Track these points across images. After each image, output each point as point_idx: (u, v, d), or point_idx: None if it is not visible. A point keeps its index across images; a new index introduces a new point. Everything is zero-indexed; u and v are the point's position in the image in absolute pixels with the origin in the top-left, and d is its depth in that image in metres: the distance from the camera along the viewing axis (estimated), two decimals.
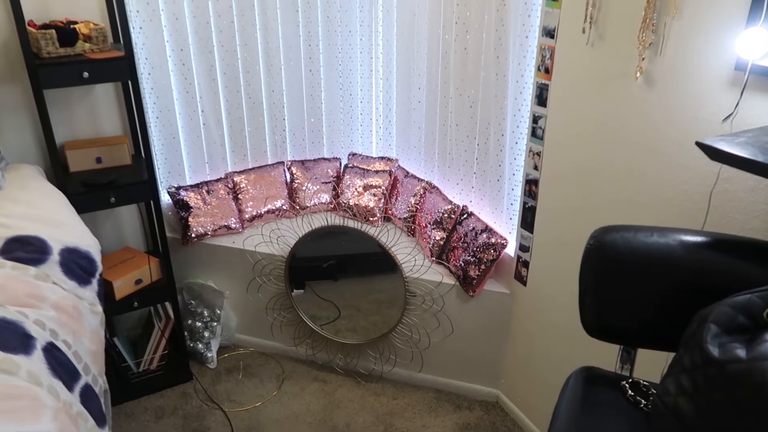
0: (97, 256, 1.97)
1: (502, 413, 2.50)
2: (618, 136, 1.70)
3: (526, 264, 2.21)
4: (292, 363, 2.80)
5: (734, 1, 1.33)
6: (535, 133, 2.03)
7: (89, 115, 2.49)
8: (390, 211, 2.84)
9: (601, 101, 1.74)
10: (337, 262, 2.97)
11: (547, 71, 1.92)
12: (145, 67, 2.51)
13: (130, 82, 2.23)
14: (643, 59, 1.57)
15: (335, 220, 2.60)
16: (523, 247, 2.20)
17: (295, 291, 2.73)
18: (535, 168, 2.06)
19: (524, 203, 2.15)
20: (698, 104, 1.46)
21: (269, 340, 2.84)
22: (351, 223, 2.62)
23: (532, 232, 2.14)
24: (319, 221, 2.62)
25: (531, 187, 2.10)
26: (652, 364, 1.42)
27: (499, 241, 2.27)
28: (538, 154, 2.03)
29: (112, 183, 2.31)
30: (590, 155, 1.82)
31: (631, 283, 1.27)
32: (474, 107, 2.32)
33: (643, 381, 1.25)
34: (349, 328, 2.75)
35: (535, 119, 2.01)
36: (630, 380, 1.26)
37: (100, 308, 1.91)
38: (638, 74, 1.59)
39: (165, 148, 2.70)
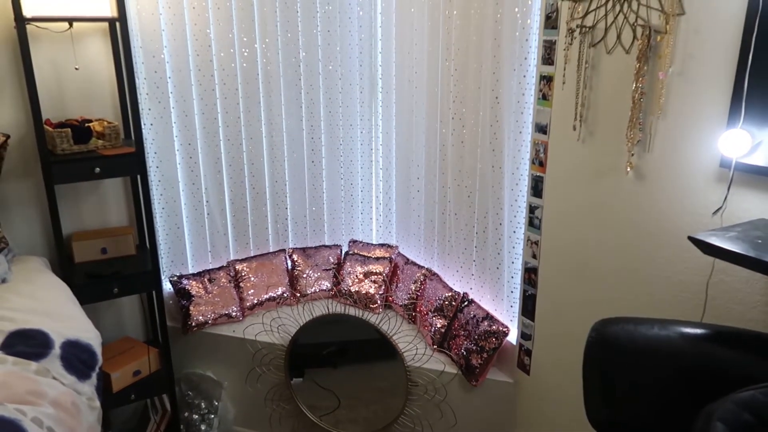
0: (98, 349, 1.97)
1: None
2: (612, 227, 1.76)
3: (528, 352, 2.19)
4: None
5: (714, 104, 1.42)
6: (533, 223, 2.08)
7: (97, 206, 2.55)
8: (390, 298, 2.85)
9: (594, 194, 1.81)
10: (337, 349, 2.94)
11: (542, 164, 2.00)
12: (153, 160, 2.60)
13: (139, 176, 2.31)
14: (632, 155, 1.64)
15: (336, 307, 2.61)
16: (525, 335, 2.20)
17: (294, 379, 2.68)
18: (534, 256, 2.09)
19: (524, 291, 2.17)
20: (688, 198, 1.52)
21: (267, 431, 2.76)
22: (352, 311, 2.63)
23: (533, 320, 2.15)
24: (320, 309, 2.62)
25: (530, 275, 2.13)
26: None
27: (500, 329, 2.27)
28: (536, 243, 2.07)
29: (115, 274, 2.34)
30: (586, 245, 1.86)
31: (635, 376, 1.27)
32: (472, 197, 2.39)
33: None
34: (349, 418, 2.68)
35: (532, 209, 2.08)
36: None
37: (98, 403, 1.88)
38: (629, 169, 1.66)
39: (169, 238, 2.74)
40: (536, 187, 2.04)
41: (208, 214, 2.78)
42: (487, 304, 2.40)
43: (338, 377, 2.85)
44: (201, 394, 2.74)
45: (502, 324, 2.28)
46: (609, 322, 1.32)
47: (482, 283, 2.43)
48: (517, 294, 2.24)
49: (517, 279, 2.24)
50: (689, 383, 1.23)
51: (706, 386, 1.21)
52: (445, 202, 2.54)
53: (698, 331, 1.28)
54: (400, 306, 2.77)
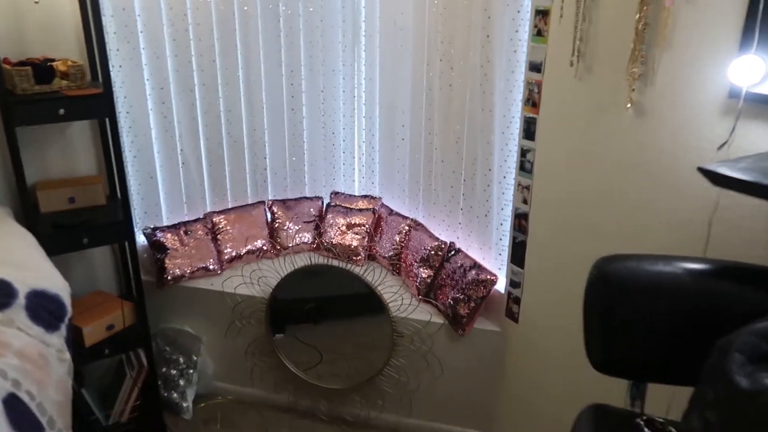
0: (67, 300, 1.86)
1: None
2: (611, 165, 1.69)
3: (517, 300, 2.15)
4: (273, 412, 2.65)
5: (725, 30, 1.34)
6: (524, 167, 2.01)
7: (63, 154, 2.40)
8: (374, 250, 2.78)
9: (591, 132, 1.73)
10: (317, 304, 2.87)
11: (535, 105, 1.91)
12: (123, 105, 2.45)
13: (107, 120, 2.16)
14: (633, 90, 1.56)
15: (318, 259, 2.52)
16: (513, 283, 2.15)
17: (275, 335, 2.61)
18: (525, 202, 2.03)
19: (514, 238, 2.11)
20: (692, 133, 1.45)
21: (248, 387, 2.70)
22: (335, 263, 2.55)
23: (522, 268, 2.09)
24: (301, 261, 2.54)
25: (520, 221, 2.06)
26: (656, 400, 1.35)
27: (488, 277, 2.21)
28: (527, 187, 2.00)
29: (85, 224, 2.21)
30: (582, 186, 1.79)
31: (638, 313, 1.22)
32: (460, 143, 2.30)
33: (658, 417, 1.19)
34: (332, 372, 2.63)
35: (523, 153, 2.00)
36: (644, 417, 1.20)
37: (68, 356, 1.79)
38: (629, 105, 1.58)
39: (142, 188, 2.61)
40: (528, 130, 1.96)
41: (182, 163, 2.64)
42: (475, 253, 2.34)
43: (320, 333, 2.78)
44: (179, 349, 2.66)
45: (490, 272, 2.22)
46: (611, 260, 1.26)
47: (469, 232, 2.36)
48: (506, 242, 2.18)
49: (507, 226, 2.17)
50: (694, 320, 1.18)
51: (711, 322, 1.17)
52: (431, 150, 2.45)
53: (703, 266, 1.22)
54: (384, 258, 2.70)
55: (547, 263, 1.99)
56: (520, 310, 2.15)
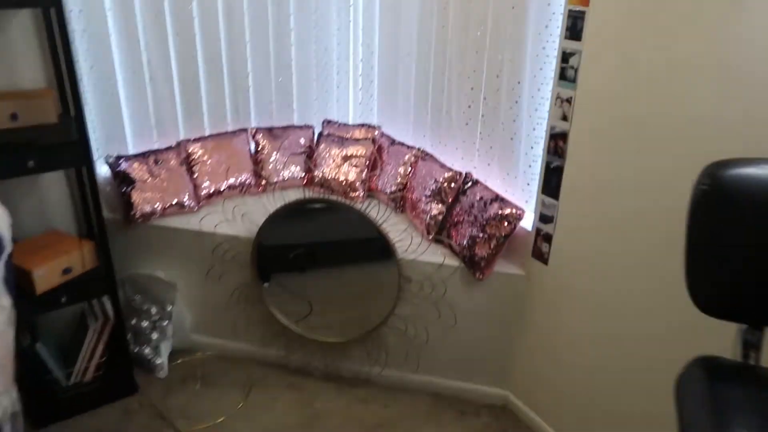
0: (6, 232, 1.49)
1: (514, 419, 2.12)
2: (690, 69, 1.34)
3: (548, 238, 1.83)
4: (260, 368, 2.34)
5: None
6: (565, 75, 1.65)
7: (2, 62, 1.97)
8: (374, 185, 2.43)
9: (665, 27, 1.38)
10: (308, 249, 2.54)
11: None
12: (75, 2, 2.02)
13: (53, 11, 1.75)
14: None
15: (311, 195, 2.16)
16: (544, 218, 1.83)
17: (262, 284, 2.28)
18: (564, 118, 1.68)
19: (547, 164, 1.78)
20: None
21: (232, 340, 2.37)
22: (332, 198, 2.19)
23: (557, 199, 1.77)
24: (292, 197, 2.18)
25: (557, 142, 1.73)
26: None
27: (513, 211, 1.89)
28: (568, 100, 1.66)
29: (30, 144, 1.82)
30: (645, 99, 1.45)
31: (764, 235, 0.90)
32: (480, 53, 1.93)
33: None
34: (328, 325, 2.31)
35: (565, 57, 1.64)
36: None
37: (6, 301, 1.44)
38: None
39: (102, 108, 2.21)
40: (574, 27, 1.60)
41: (150, 78, 2.24)
42: (496, 184, 2.01)
43: (308, 282, 2.46)
44: (150, 297, 2.31)
45: (516, 206, 1.89)
46: (727, 165, 0.93)
47: (490, 160, 2.02)
48: (537, 168, 1.85)
49: (538, 149, 1.84)
50: None
51: None
52: (444, 64, 2.08)
53: None
54: (386, 194, 2.36)
55: (588, 193, 1.67)
56: (550, 250, 1.83)
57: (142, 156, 2.27)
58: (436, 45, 2.08)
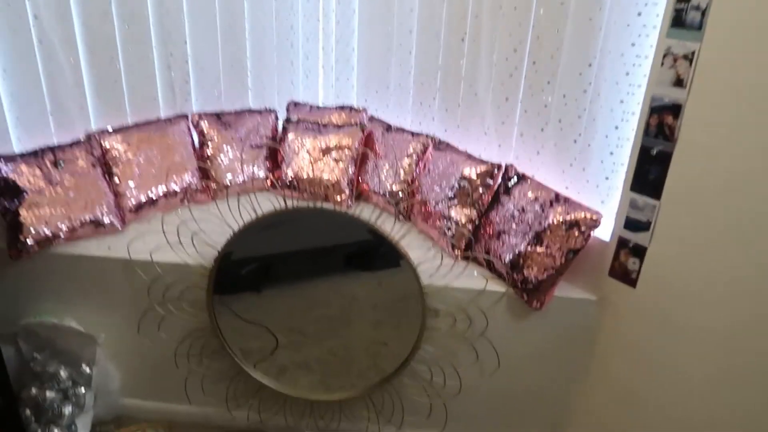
0: None
1: None
2: None
3: (638, 251, 1.33)
4: None
5: None
6: (683, 20, 1.15)
7: None
8: (365, 185, 1.85)
9: None
10: (258, 266, 1.91)
11: None
12: None
13: None
14: None
15: (284, 202, 1.53)
16: (634, 224, 1.33)
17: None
18: (679, 83, 1.18)
19: (644, 149, 1.27)
20: None
21: (182, 404, 1.72)
22: (319, 205, 1.58)
23: (657, 198, 1.27)
24: (263, 204, 1.54)
25: (663, 119, 1.22)
26: None
27: (586, 216, 1.37)
28: (688, 57, 1.16)
29: None
30: None
31: None
32: None
33: None
34: (299, 363, 1.71)
35: None
36: None
37: None
38: None
39: None
40: None
41: (39, 42, 1.53)
42: (552, 179, 1.48)
43: (268, 305, 1.83)
44: (58, 356, 1.62)
45: (589, 208, 1.38)
46: None
47: (540, 146, 1.50)
48: (623, 156, 1.34)
49: (627, 129, 1.33)
50: None
51: None
52: (463, 20, 1.53)
53: None
54: (381, 195, 1.79)
55: (708, 191, 1.18)
56: (641, 268, 1.34)
57: (34, 156, 1.56)
58: None
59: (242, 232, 1.50)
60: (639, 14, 1.24)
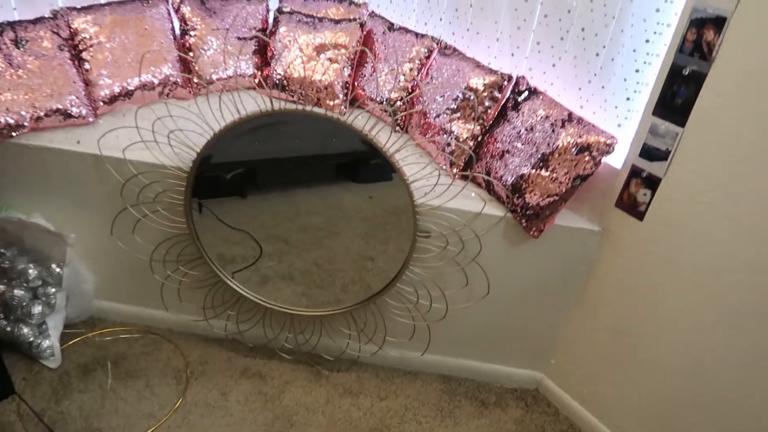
0: None
1: (550, 409, 1.61)
2: None
3: (651, 182, 1.23)
4: (202, 347, 1.68)
5: None
6: None
7: None
8: (360, 91, 1.70)
9: None
10: (244, 171, 1.80)
11: None
12: None
13: None
14: None
15: (274, 103, 1.39)
16: (650, 153, 1.21)
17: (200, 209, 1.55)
18: None
19: (675, 68, 1.13)
20: None
21: (158, 309, 1.67)
22: (310, 110, 1.44)
23: (681, 125, 1.15)
24: (246, 104, 1.40)
25: (703, 33, 1.07)
26: None
27: (600, 139, 1.25)
28: None
29: None
30: None
31: None
32: None
33: None
34: (282, 274, 1.65)
35: None
36: None
37: None
38: None
39: None
40: None
41: None
42: (568, 96, 1.35)
43: (252, 211, 1.74)
44: (27, 253, 1.53)
45: (603, 131, 1.26)
46: None
47: (558, 57, 1.35)
48: (649, 75, 1.20)
49: (660, 43, 1.17)
50: None
51: None
52: None
53: None
54: (378, 102, 1.65)
55: (743, 121, 1.05)
56: (652, 200, 1.24)
57: None
58: None
59: (223, 134, 1.37)
60: None
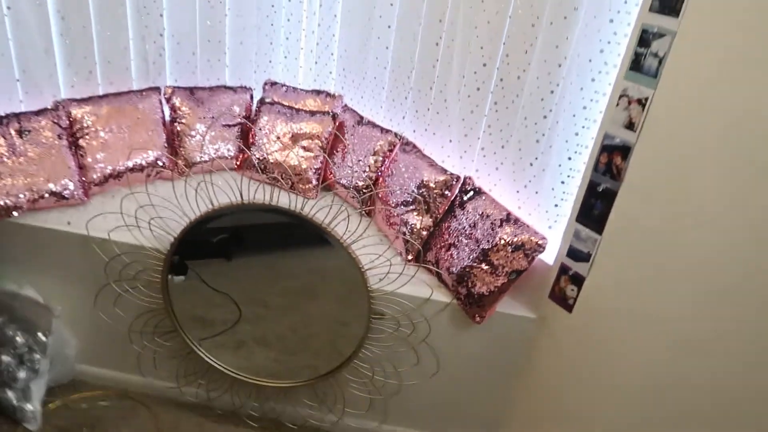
0: None
1: None
2: None
3: (577, 280, 1.37)
4: (174, 412, 1.79)
5: None
6: (641, 65, 1.14)
7: None
8: (331, 177, 1.86)
9: None
10: (231, 234, 1.94)
11: None
12: None
13: None
14: None
15: (250, 189, 1.54)
16: (576, 254, 1.35)
17: (175, 277, 1.67)
18: (630, 126, 1.18)
19: (592, 184, 1.29)
20: None
21: (134, 374, 1.79)
22: (284, 199, 1.59)
23: (599, 233, 1.29)
24: (223, 193, 1.56)
25: (612, 158, 1.23)
26: None
27: (532, 239, 1.40)
28: (641, 102, 1.16)
29: None
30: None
31: None
32: (502, 14, 1.38)
33: None
34: (258, 338, 1.76)
35: (645, 39, 1.13)
36: None
37: None
38: None
39: None
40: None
41: (8, 6, 1.51)
42: (507, 198, 1.50)
43: (236, 273, 1.87)
44: (15, 322, 1.66)
45: (536, 232, 1.40)
46: None
47: (500, 163, 1.51)
48: (573, 186, 1.36)
49: (579, 162, 1.34)
50: None
51: None
52: (439, 23, 1.51)
53: None
54: (346, 189, 1.80)
55: (649, 233, 1.20)
56: (578, 296, 1.37)
57: None
58: None
59: (197, 222, 1.52)
60: (601, 51, 1.23)
